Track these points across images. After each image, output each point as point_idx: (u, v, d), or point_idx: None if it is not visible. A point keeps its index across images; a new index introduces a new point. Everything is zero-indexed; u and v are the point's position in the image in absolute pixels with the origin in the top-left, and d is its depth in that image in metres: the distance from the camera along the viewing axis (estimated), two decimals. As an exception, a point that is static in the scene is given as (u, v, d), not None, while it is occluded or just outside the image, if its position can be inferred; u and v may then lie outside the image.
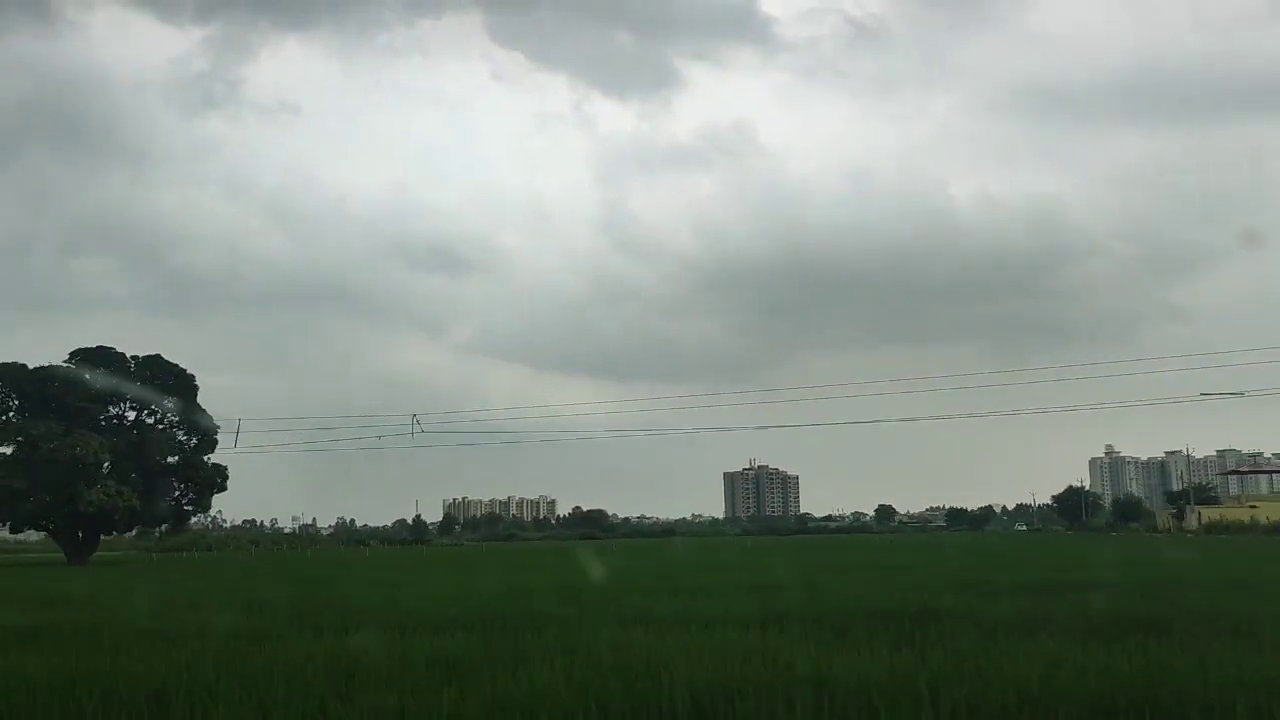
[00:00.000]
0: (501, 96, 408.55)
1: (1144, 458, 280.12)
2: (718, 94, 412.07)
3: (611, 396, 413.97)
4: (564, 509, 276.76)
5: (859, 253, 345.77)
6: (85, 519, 61.16)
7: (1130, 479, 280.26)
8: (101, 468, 59.02)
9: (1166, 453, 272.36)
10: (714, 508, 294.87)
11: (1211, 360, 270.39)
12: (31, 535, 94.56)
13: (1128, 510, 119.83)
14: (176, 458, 63.91)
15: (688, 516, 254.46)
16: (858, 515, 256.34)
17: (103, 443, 59.52)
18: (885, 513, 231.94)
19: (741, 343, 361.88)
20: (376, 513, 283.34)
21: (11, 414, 63.87)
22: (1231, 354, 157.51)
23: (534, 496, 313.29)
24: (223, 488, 63.58)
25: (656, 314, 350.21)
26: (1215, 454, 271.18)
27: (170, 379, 64.38)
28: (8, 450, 62.71)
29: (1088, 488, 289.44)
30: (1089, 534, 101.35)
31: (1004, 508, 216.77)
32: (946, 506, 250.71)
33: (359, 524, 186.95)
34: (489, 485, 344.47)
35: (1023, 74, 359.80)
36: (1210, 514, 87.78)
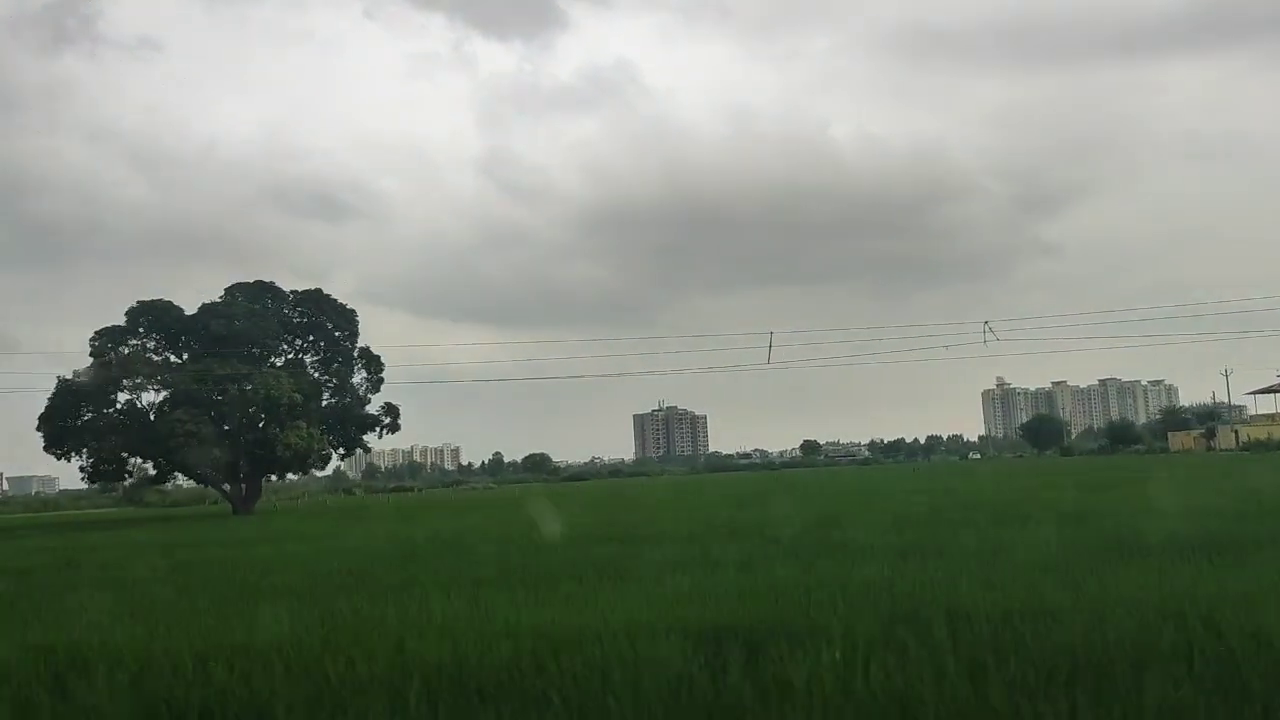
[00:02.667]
0: (377, 36, 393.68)
1: (1032, 388, 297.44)
2: (601, 34, 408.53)
3: (499, 342, 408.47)
4: (470, 457, 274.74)
5: (743, 193, 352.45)
6: (267, 464, 57.51)
7: (1020, 409, 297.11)
8: (294, 408, 55.30)
9: (1053, 383, 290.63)
10: (624, 449, 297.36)
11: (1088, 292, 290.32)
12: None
13: (1124, 433, 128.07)
14: (348, 397, 60.44)
15: (597, 458, 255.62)
16: (782, 453, 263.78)
17: (293, 382, 55.78)
18: (811, 447, 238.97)
19: (629, 285, 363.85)
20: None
21: (168, 354, 59.19)
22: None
23: (438, 445, 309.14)
24: (395, 427, 60.43)
25: (543, 258, 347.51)
26: (1097, 383, 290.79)
27: (333, 314, 60.60)
28: (149, 393, 58.25)
29: (981, 419, 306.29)
30: (1096, 457, 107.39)
31: (943, 437, 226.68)
32: (868, 440, 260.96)
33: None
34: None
35: (901, 15, 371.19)
36: (1255, 432, 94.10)
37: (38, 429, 59.05)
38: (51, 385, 57.29)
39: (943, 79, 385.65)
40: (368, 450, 62.59)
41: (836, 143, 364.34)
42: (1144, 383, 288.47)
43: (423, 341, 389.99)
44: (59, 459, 61.06)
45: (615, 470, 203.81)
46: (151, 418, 58.43)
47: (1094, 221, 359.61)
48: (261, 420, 55.31)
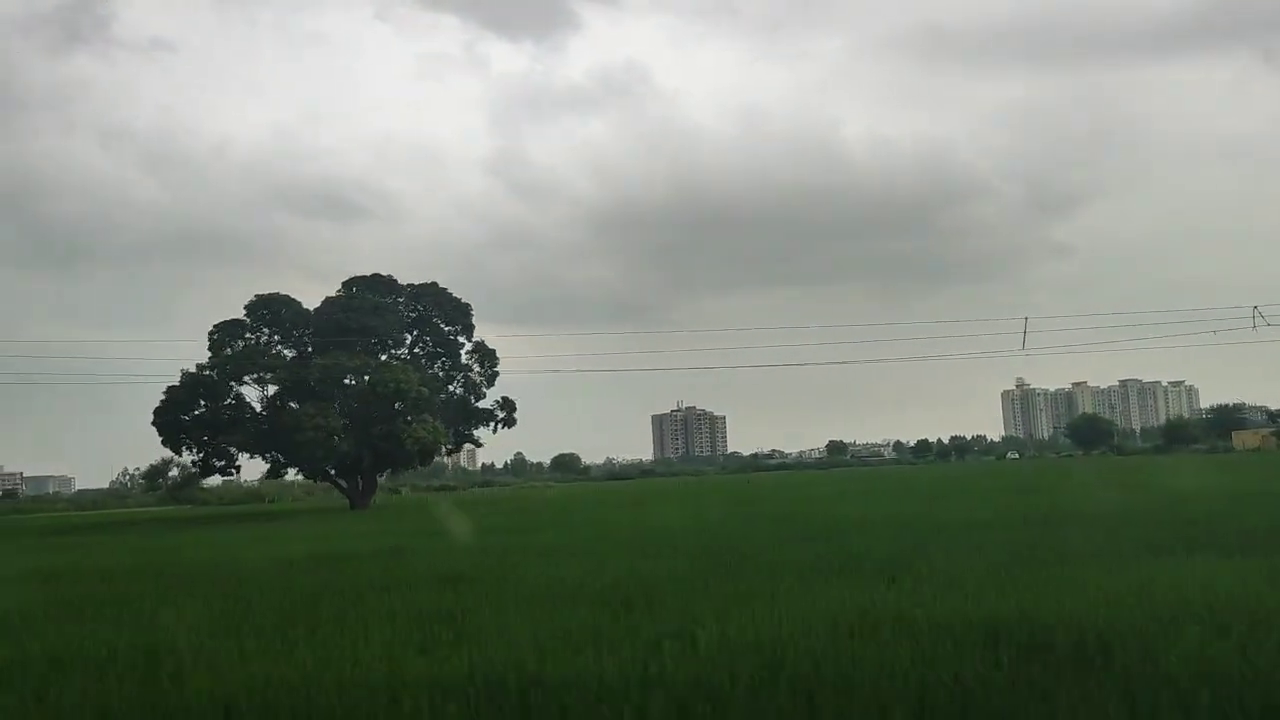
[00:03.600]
0: (387, 37, 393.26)
1: (1052, 389, 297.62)
2: (612, 35, 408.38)
3: (509, 342, 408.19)
4: (486, 457, 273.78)
5: (752, 194, 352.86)
6: (392, 458, 57.35)
7: (1040, 410, 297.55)
8: (420, 402, 55.11)
9: (1073, 384, 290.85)
10: (640, 450, 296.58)
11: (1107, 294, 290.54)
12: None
13: (1180, 433, 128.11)
14: (462, 391, 60.27)
15: (612, 459, 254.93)
16: (801, 454, 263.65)
17: (419, 375, 55.64)
18: (837, 448, 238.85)
19: (638, 285, 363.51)
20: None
21: (280, 348, 58.98)
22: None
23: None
24: (511, 421, 60.25)
25: (552, 259, 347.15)
26: (1118, 384, 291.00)
27: (447, 308, 60.41)
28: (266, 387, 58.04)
29: (1000, 420, 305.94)
30: (1158, 457, 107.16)
31: (968, 437, 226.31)
32: (884, 440, 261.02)
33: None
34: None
35: (913, 16, 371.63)
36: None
37: (153, 422, 58.92)
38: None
39: (954, 80, 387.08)
40: (478, 445, 62.38)
41: (847, 144, 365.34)
42: (1164, 383, 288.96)
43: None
44: (174, 453, 61.08)
45: (647, 470, 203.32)
46: (259, 411, 58.39)
47: (1106, 222, 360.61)
48: (388, 414, 55.05)
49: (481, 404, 60.60)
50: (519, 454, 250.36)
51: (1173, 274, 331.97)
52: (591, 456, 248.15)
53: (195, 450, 59.98)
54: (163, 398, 58.83)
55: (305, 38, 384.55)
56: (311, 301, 60.03)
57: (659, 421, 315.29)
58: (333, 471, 58.65)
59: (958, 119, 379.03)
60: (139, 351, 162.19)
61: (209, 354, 58.34)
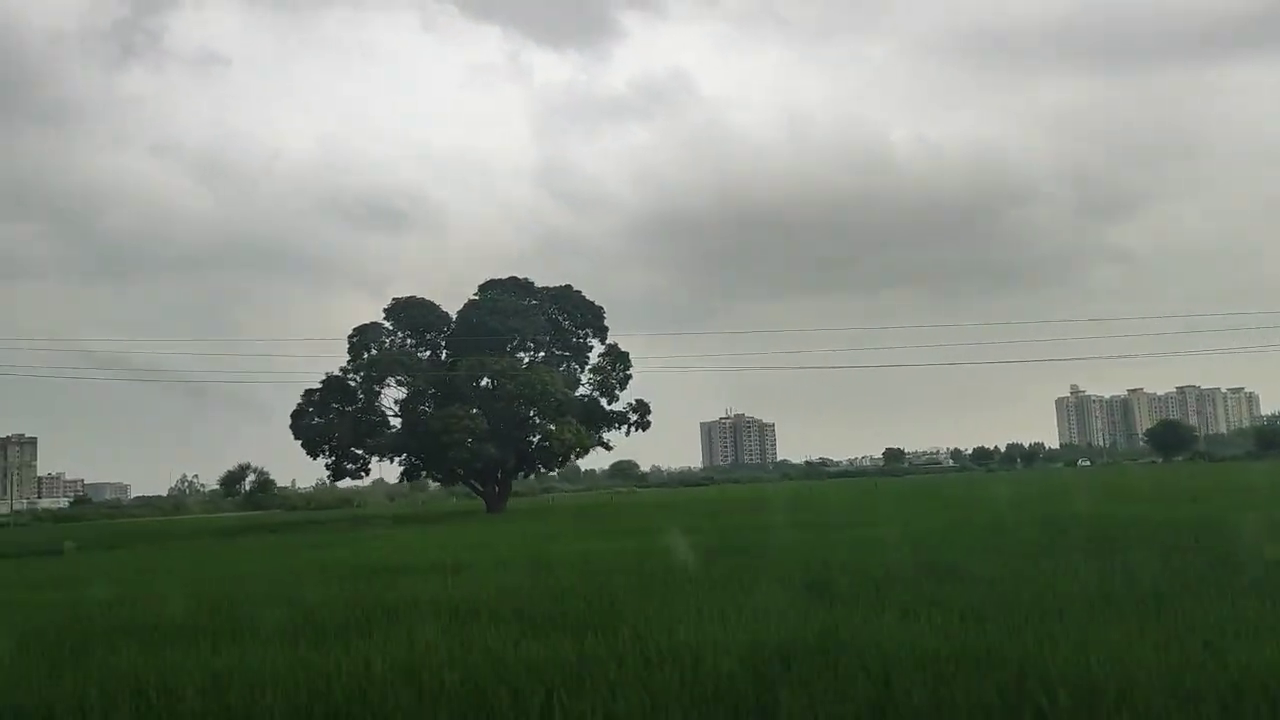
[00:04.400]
0: (434, 48, 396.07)
1: (1107, 396, 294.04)
2: (656, 43, 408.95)
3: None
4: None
5: (799, 200, 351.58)
6: (534, 460, 57.37)
7: (1095, 417, 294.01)
8: (564, 404, 55.08)
9: (1129, 390, 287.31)
10: (688, 458, 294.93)
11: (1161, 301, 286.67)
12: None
13: (1274, 437, 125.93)
14: (597, 393, 60.14)
15: (657, 467, 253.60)
16: (851, 460, 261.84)
17: (559, 376, 55.63)
18: (894, 455, 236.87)
19: (684, 293, 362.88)
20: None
21: (415, 351, 59.17)
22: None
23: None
24: (645, 424, 59.98)
25: (598, 267, 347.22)
26: (1175, 390, 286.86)
27: (583, 311, 60.38)
28: (402, 389, 58.10)
29: (1056, 427, 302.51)
30: (1250, 463, 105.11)
31: (1025, 444, 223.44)
32: (942, 447, 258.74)
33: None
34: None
35: (961, 18, 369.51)
36: None
37: (290, 426, 59.29)
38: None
39: (1003, 82, 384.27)
40: (609, 448, 62.17)
41: (894, 148, 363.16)
42: (1224, 390, 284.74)
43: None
44: (311, 456, 61.35)
45: (707, 478, 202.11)
46: (396, 414, 58.54)
47: (1162, 226, 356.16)
48: (529, 416, 55.05)
49: (613, 407, 60.40)
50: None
51: (1232, 280, 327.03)
52: (640, 464, 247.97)
53: (328, 454, 60.28)
54: (299, 402, 59.27)
55: (353, 49, 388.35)
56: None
57: (708, 429, 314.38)
58: (468, 473, 58.74)
59: (1007, 122, 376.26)
60: (198, 363, 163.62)
61: (348, 357, 58.70)
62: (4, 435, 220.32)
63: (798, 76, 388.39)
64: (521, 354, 59.46)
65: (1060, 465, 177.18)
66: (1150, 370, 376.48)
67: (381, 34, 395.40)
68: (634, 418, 60.36)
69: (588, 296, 60.24)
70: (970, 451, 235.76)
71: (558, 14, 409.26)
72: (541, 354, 59.54)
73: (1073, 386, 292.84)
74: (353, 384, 57.66)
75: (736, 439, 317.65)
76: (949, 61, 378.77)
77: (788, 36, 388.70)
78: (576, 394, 59.56)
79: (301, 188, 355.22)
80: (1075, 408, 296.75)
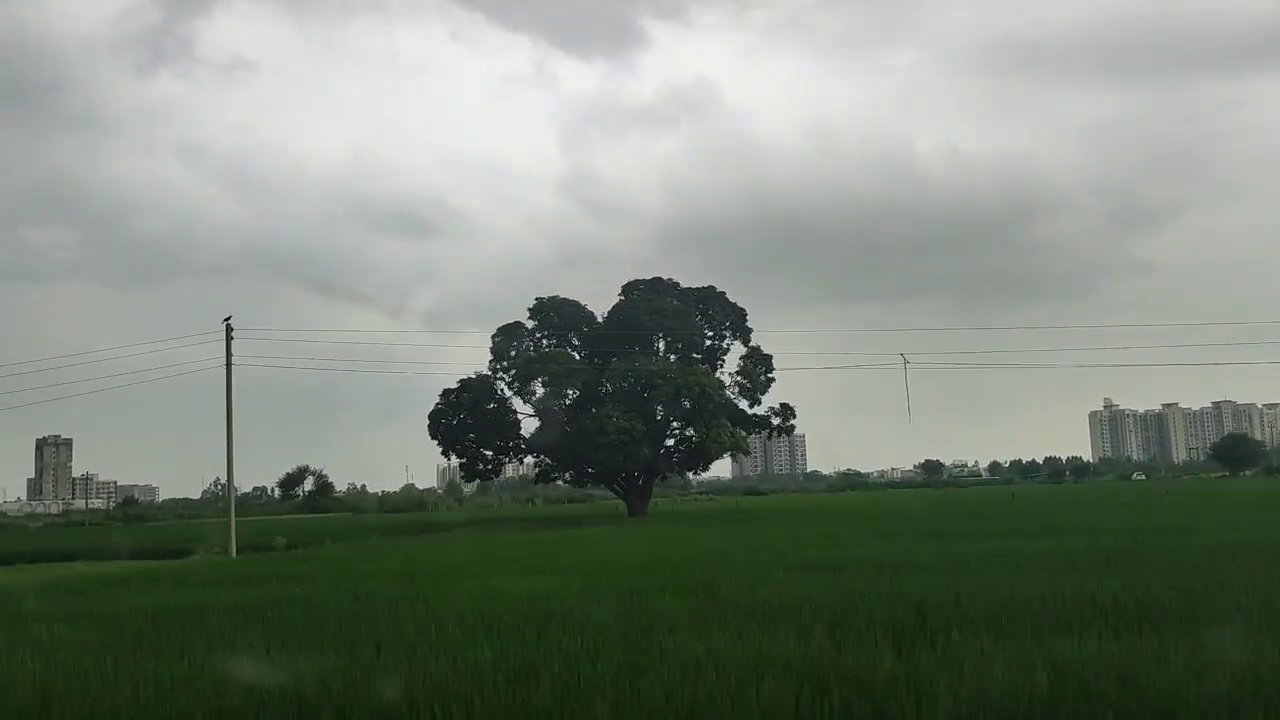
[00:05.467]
0: (461, 57, 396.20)
1: (1141, 410, 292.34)
2: (682, 52, 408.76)
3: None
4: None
5: (827, 210, 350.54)
6: (688, 461, 56.48)
7: (1130, 431, 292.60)
8: (721, 405, 54.14)
9: (1163, 405, 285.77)
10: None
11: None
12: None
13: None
14: (739, 394, 59.16)
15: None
16: (881, 472, 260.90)
17: (719, 379, 54.74)
18: (933, 468, 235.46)
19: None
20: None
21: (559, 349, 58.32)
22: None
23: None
24: (789, 429, 58.97)
25: (623, 276, 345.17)
26: (1211, 405, 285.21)
27: (725, 312, 59.45)
28: (541, 395, 57.20)
29: (1089, 442, 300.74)
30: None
31: (1062, 459, 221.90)
32: (974, 460, 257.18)
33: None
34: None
35: (989, 28, 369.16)
36: None
37: (428, 427, 58.53)
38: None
39: (1032, 93, 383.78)
40: (746, 452, 61.03)
41: (922, 158, 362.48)
42: (1260, 405, 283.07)
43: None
44: (446, 456, 60.53)
45: (752, 489, 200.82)
46: (523, 415, 57.74)
47: (1192, 238, 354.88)
48: (685, 417, 54.10)
49: (754, 410, 59.40)
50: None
51: (1261, 293, 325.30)
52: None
53: (460, 453, 59.57)
54: (437, 402, 58.49)
55: (381, 57, 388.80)
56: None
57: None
58: (614, 475, 57.81)
59: (1035, 133, 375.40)
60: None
61: (489, 358, 57.96)
62: (40, 436, 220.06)
63: (825, 86, 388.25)
64: (684, 354, 58.44)
65: (1109, 478, 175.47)
66: (1183, 385, 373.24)
67: (410, 43, 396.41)
68: (776, 421, 59.30)
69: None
70: (1007, 464, 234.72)
71: (585, 23, 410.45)
72: (673, 356, 58.55)
73: (1106, 400, 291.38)
74: (499, 383, 56.92)
75: (767, 450, 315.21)
76: (977, 73, 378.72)
77: (815, 46, 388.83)
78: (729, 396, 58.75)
79: (328, 195, 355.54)
80: (1109, 422, 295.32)
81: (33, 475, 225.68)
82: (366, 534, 45.92)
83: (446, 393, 58.18)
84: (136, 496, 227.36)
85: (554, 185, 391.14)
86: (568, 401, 56.17)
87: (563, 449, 55.67)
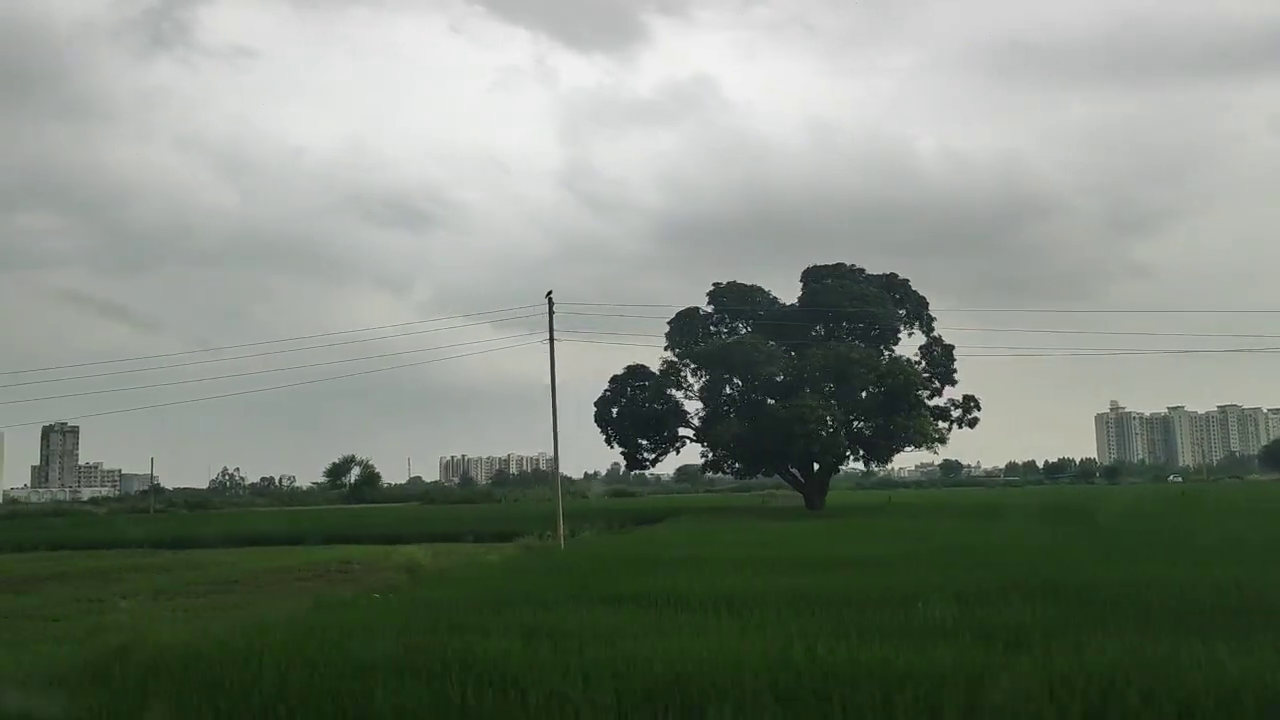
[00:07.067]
0: (460, 49, 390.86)
1: (1147, 413, 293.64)
2: (682, 48, 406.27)
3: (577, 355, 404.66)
4: (565, 469, 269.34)
5: (824, 208, 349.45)
6: (879, 453, 54.10)
7: (1136, 434, 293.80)
8: (920, 397, 51.76)
9: (1169, 408, 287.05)
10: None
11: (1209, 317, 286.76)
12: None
13: None
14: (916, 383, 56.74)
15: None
16: (890, 472, 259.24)
17: (917, 367, 52.41)
18: (950, 468, 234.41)
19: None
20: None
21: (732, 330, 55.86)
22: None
23: (533, 454, 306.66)
24: (973, 421, 56.42)
25: (621, 272, 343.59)
26: (1217, 409, 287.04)
27: (908, 299, 57.04)
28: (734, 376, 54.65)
29: (1094, 444, 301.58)
30: None
31: (1076, 460, 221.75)
32: (977, 461, 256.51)
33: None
34: (482, 442, 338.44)
35: (989, 31, 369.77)
36: None
37: (595, 416, 56.15)
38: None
39: (1031, 95, 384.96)
40: (944, 443, 58.18)
41: (920, 158, 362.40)
42: (1265, 410, 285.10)
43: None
44: (609, 445, 57.99)
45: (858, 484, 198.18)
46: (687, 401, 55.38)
47: (1189, 241, 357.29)
48: (887, 407, 51.64)
49: (935, 401, 56.86)
50: (615, 464, 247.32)
51: (1261, 297, 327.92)
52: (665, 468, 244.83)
53: (628, 442, 57.16)
54: (606, 389, 55.94)
55: (380, 49, 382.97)
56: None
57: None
58: (794, 466, 55.36)
59: (1034, 135, 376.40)
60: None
61: (664, 345, 55.46)
62: (47, 423, 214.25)
63: (825, 84, 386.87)
64: (833, 341, 56.00)
65: (1143, 481, 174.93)
66: (1187, 388, 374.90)
67: (409, 34, 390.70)
68: (956, 413, 56.83)
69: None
70: (1021, 465, 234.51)
71: (585, 18, 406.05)
72: (859, 344, 56.09)
73: (1112, 403, 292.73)
74: (676, 370, 54.33)
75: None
76: (976, 74, 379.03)
77: (816, 45, 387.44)
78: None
79: (325, 185, 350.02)
80: (1115, 424, 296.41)
81: (38, 462, 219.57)
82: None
83: (615, 379, 55.70)
84: (137, 486, 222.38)
85: (552, 179, 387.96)
86: (763, 388, 53.62)
87: (743, 438, 53.03)
